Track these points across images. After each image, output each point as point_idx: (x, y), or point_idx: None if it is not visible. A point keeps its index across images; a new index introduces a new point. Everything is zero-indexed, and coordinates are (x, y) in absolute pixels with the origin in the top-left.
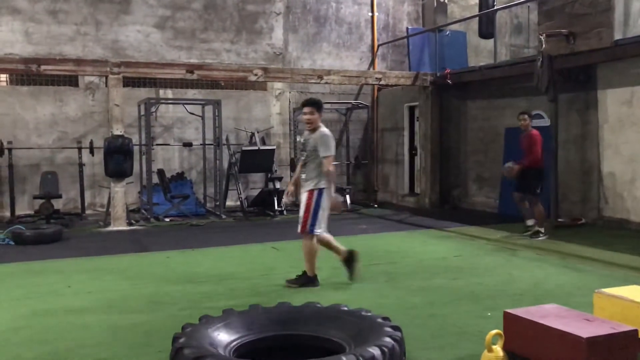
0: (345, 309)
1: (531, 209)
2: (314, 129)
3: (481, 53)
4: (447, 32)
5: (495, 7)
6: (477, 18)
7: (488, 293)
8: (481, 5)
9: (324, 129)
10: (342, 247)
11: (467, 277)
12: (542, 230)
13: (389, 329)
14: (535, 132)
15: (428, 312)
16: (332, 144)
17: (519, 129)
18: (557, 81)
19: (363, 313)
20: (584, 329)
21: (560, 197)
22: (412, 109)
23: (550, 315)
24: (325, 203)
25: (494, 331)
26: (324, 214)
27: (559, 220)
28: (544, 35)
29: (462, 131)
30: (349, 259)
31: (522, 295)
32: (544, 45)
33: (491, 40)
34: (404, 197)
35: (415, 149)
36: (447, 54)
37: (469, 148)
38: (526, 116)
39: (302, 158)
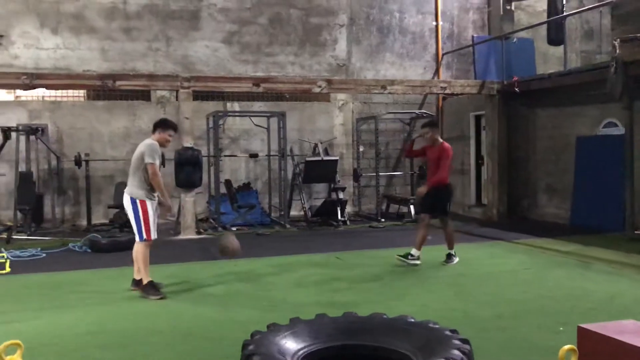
0: (412, 320)
1: (444, 230)
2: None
3: (550, 60)
4: (514, 40)
5: (564, 13)
6: (546, 24)
7: (559, 307)
8: (550, 12)
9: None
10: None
11: (538, 290)
12: (454, 252)
13: (457, 342)
14: (448, 145)
15: (497, 326)
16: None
17: (592, 137)
18: (632, 88)
19: (430, 325)
20: None
21: (636, 209)
22: (478, 118)
23: (629, 331)
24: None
25: (567, 346)
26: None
27: (636, 232)
28: (618, 40)
29: (531, 140)
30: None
31: (596, 310)
32: (617, 51)
33: (560, 47)
34: (471, 207)
35: (482, 159)
36: (514, 62)
37: (538, 157)
38: (427, 128)
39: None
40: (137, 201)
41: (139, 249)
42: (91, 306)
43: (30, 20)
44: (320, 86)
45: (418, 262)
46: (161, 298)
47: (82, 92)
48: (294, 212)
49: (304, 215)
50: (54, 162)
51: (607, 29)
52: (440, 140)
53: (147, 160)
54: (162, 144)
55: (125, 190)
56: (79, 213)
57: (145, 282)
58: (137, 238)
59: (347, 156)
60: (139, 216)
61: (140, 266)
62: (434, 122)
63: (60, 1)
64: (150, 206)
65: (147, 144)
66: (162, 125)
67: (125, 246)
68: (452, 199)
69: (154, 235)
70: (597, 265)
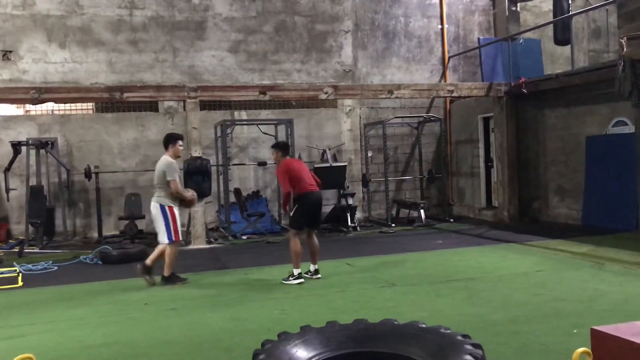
0: (424, 326)
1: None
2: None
3: (557, 60)
4: (521, 41)
5: (571, 13)
6: (552, 25)
7: (573, 309)
8: (556, 12)
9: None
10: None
11: (551, 292)
12: (296, 273)
13: (469, 347)
14: (281, 166)
15: (510, 329)
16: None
17: (602, 136)
18: None
19: (442, 330)
20: None
21: None
22: (486, 120)
23: None
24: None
25: (581, 349)
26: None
27: None
28: (625, 38)
29: (541, 141)
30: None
31: (610, 311)
32: (625, 49)
33: (567, 47)
34: (481, 210)
35: (491, 161)
36: (522, 63)
37: (548, 158)
38: (273, 149)
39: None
40: (166, 207)
41: (168, 250)
42: (103, 318)
43: (38, 35)
44: (326, 92)
45: (302, 280)
46: (183, 283)
47: (90, 105)
48: None
49: None
50: (64, 175)
51: (614, 27)
52: (283, 160)
53: (169, 177)
54: (177, 154)
55: (152, 199)
56: (90, 225)
57: (167, 274)
58: (165, 240)
59: (356, 162)
60: (168, 220)
61: (166, 262)
62: (277, 144)
63: (66, 16)
64: (177, 211)
65: (167, 163)
66: (170, 140)
67: (136, 257)
68: (297, 215)
69: (181, 236)
70: (610, 266)
